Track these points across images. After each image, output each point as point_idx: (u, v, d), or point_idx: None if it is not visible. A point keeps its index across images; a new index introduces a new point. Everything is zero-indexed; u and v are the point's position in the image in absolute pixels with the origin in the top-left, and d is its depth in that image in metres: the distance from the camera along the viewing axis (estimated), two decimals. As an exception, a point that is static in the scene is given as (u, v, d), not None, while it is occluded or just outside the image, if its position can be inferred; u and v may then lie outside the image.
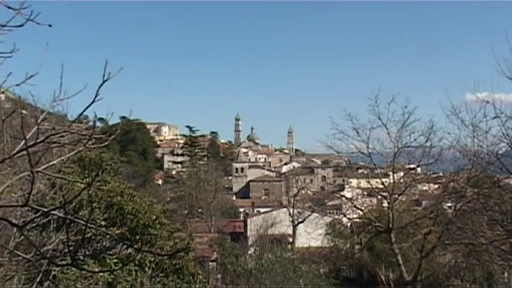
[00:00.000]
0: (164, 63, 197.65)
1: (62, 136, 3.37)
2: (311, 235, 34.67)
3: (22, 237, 7.19)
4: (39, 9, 2.99)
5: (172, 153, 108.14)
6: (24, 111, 3.78)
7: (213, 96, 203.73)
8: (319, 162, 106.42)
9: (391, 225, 22.85)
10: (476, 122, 14.54)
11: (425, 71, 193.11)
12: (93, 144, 3.71)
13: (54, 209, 3.28)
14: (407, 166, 26.31)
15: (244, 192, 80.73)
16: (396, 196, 23.71)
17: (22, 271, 7.99)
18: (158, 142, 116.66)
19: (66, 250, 3.69)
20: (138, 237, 14.41)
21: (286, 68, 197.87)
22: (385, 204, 26.20)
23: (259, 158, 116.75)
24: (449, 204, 24.54)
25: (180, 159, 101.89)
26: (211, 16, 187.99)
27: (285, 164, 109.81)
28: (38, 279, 8.09)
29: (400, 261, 22.72)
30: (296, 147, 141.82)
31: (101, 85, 3.00)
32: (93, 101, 3.06)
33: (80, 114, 3.53)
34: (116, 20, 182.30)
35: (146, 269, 14.40)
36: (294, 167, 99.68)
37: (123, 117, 74.82)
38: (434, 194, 30.06)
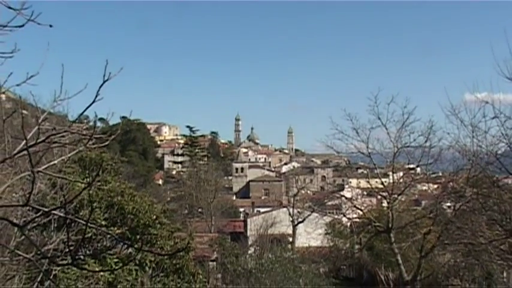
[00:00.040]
0: (164, 63, 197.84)
1: (63, 136, 3.37)
2: (311, 235, 34.71)
3: (23, 237, 7.22)
4: (40, 9, 3.00)
5: (172, 153, 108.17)
6: (24, 111, 3.80)
7: (213, 96, 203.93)
8: (319, 162, 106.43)
9: (390, 225, 22.88)
10: (475, 122, 14.58)
11: (425, 71, 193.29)
12: (93, 144, 3.71)
13: (54, 209, 3.29)
14: (406, 166, 26.34)
15: (244, 192, 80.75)
16: (396, 196, 23.72)
17: (23, 270, 8.02)
18: (158, 142, 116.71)
19: (67, 250, 3.70)
20: (138, 237, 14.46)
21: (286, 68, 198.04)
22: (385, 204, 26.21)
23: (259, 158, 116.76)
24: (448, 204, 24.58)
25: (180, 159, 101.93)
26: (211, 16, 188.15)
27: (285, 164, 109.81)
28: (38, 279, 8.11)
29: (400, 261, 22.75)
30: (296, 147, 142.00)
31: (101, 85, 3.00)
32: (93, 101, 3.06)
33: (80, 114, 3.52)
34: (115, 20, 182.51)
35: (146, 268, 14.43)
36: (293, 167, 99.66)
37: (123, 117, 74.83)
38: (434, 194, 30.09)
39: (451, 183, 23.59)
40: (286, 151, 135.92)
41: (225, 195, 62.06)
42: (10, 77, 3.38)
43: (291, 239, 37.79)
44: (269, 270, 23.16)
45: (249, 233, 38.02)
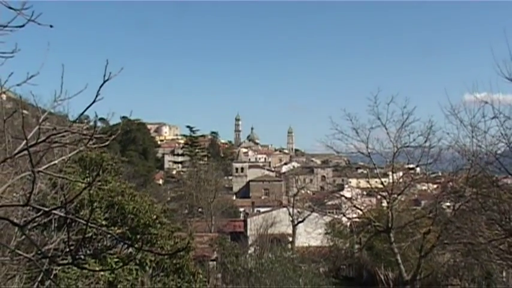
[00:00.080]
0: (164, 63, 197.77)
1: (63, 136, 3.38)
2: (311, 234, 34.75)
3: (23, 237, 7.24)
4: (40, 9, 3.00)
5: (172, 153, 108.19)
6: (25, 111, 3.79)
7: (213, 96, 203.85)
8: (318, 162, 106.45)
9: (390, 225, 22.90)
10: (475, 122, 14.59)
11: (424, 71, 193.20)
12: (94, 144, 3.72)
13: (55, 209, 3.30)
14: (406, 166, 26.36)
15: (244, 192, 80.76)
16: (395, 196, 23.74)
17: (23, 270, 8.04)
18: (159, 142, 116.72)
19: (67, 249, 3.72)
20: (138, 236, 14.49)
21: (286, 68, 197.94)
22: (385, 203, 26.24)
23: (259, 158, 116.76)
24: (448, 203, 24.60)
25: (180, 159, 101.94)
26: (211, 16, 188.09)
27: (285, 163, 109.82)
28: (39, 278, 8.13)
29: (399, 261, 22.78)
30: (296, 147, 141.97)
31: (102, 85, 3.01)
32: (93, 101, 3.07)
33: (80, 114, 3.52)
34: (115, 20, 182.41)
35: (147, 268, 14.46)
36: (293, 166, 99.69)
37: (123, 117, 75.12)
38: (433, 194, 30.12)
39: (450, 183, 23.62)
40: (286, 151, 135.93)
41: (225, 195, 62.08)
42: (11, 77, 3.39)
43: (290, 239, 37.83)
44: (269, 270, 23.19)
45: (249, 232, 38.05)
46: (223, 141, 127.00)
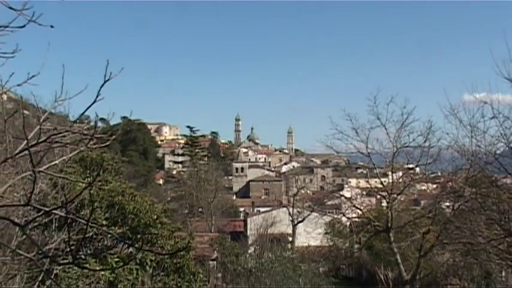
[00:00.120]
0: (164, 63, 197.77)
1: (64, 136, 3.37)
2: (310, 234, 34.80)
3: (24, 237, 7.25)
4: (40, 9, 2.99)
5: (173, 153, 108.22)
6: (26, 112, 3.80)
7: (213, 96, 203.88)
8: (318, 162, 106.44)
9: (390, 225, 22.94)
10: (474, 122, 14.62)
11: (424, 71, 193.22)
12: (94, 144, 3.71)
13: (55, 209, 3.29)
14: (406, 166, 26.39)
15: (244, 192, 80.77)
16: (395, 196, 23.78)
17: (24, 270, 8.07)
18: (159, 142, 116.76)
19: (68, 249, 3.74)
20: (139, 236, 14.51)
21: (286, 68, 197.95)
22: (384, 203, 26.27)
23: (259, 158, 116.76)
24: (447, 203, 24.63)
25: (180, 159, 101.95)
26: (211, 16, 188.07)
27: (285, 163, 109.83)
28: (40, 278, 8.15)
29: (399, 260, 22.82)
30: (296, 147, 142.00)
31: (102, 85, 3.01)
32: (94, 101, 3.07)
33: (81, 114, 3.54)
34: (115, 20, 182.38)
35: (147, 268, 14.48)
36: (293, 166, 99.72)
37: (124, 118, 75.15)
38: (433, 194, 30.16)
39: (450, 183, 23.65)
40: (286, 151, 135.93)
41: (225, 194, 62.08)
42: (11, 77, 3.37)
43: (290, 239, 37.86)
44: (269, 270, 23.21)
45: (249, 232, 38.08)
46: (223, 141, 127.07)
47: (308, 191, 60.29)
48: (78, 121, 4.46)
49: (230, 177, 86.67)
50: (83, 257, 12.37)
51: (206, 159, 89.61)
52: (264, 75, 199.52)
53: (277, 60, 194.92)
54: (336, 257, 36.26)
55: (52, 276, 8.59)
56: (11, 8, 3.01)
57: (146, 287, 14.38)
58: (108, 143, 3.87)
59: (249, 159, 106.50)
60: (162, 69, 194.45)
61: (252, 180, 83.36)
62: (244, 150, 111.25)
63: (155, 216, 15.16)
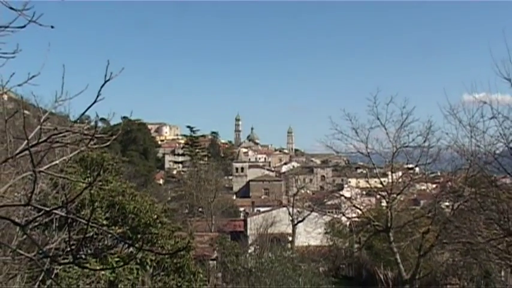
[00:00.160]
0: (164, 63, 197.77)
1: (64, 136, 3.37)
2: (310, 234, 34.81)
3: (25, 236, 7.27)
4: (40, 9, 2.99)
5: (173, 153, 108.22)
6: (26, 112, 3.80)
7: (213, 96, 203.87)
8: (318, 162, 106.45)
9: (389, 224, 22.97)
10: (473, 122, 14.65)
11: (424, 71, 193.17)
12: (94, 144, 3.72)
13: (56, 208, 3.30)
14: (405, 166, 26.41)
15: (244, 192, 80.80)
16: (395, 195, 23.80)
17: (25, 270, 8.09)
18: (159, 142, 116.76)
19: (68, 249, 3.76)
20: (139, 236, 14.54)
21: (286, 68, 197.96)
22: (384, 203, 26.30)
23: (259, 158, 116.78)
24: (447, 203, 24.64)
25: (180, 159, 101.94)
26: (211, 16, 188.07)
27: (285, 163, 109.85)
28: (40, 278, 8.18)
29: (399, 260, 22.85)
30: (296, 147, 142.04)
31: (103, 85, 3.02)
32: (94, 101, 3.08)
33: (81, 114, 3.57)
34: (116, 20, 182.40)
35: (147, 267, 14.50)
36: (293, 166, 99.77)
37: (124, 118, 75.04)
38: (432, 194, 30.20)
39: (449, 183, 23.70)
40: (286, 151, 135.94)
41: (225, 194, 62.09)
42: (12, 78, 3.37)
43: (290, 238, 37.89)
44: (269, 269, 23.23)
45: (249, 232, 38.11)
46: (223, 141, 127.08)
47: (308, 191, 60.31)
48: (78, 121, 4.47)
49: (230, 177, 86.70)
50: (83, 256, 12.40)
51: (206, 159, 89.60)
52: (264, 75, 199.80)
53: (277, 60, 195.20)
54: (335, 256, 36.29)
55: (52, 276, 8.61)
56: (11, 8, 3.02)
57: (146, 287, 14.40)
58: (108, 143, 3.86)
59: (249, 159, 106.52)
60: (162, 69, 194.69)
61: (252, 180, 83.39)
62: (244, 150, 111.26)
63: (155, 216, 15.18)
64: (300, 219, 38.25)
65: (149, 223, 14.83)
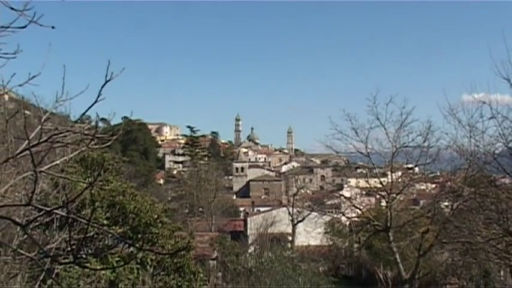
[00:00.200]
0: (164, 63, 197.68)
1: (65, 136, 3.37)
2: (310, 234, 34.84)
3: (25, 236, 7.31)
4: (40, 10, 2.99)
5: (173, 153, 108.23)
6: (27, 112, 3.83)
7: (213, 96, 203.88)
8: (318, 162, 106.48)
9: (389, 224, 23.00)
10: (473, 122, 14.66)
11: (424, 71, 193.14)
12: (95, 144, 3.73)
13: (57, 208, 3.30)
14: (405, 166, 26.44)
15: (244, 192, 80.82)
16: (394, 195, 23.83)
17: (25, 269, 8.13)
18: (159, 142, 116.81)
19: (69, 248, 3.76)
20: (139, 236, 14.57)
21: (286, 68, 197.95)
22: (384, 203, 26.33)
23: (259, 158, 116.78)
24: (446, 203, 24.64)
25: (181, 159, 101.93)
26: (211, 16, 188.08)
27: (285, 163, 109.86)
28: (41, 277, 8.22)
29: (398, 260, 22.88)
30: (295, 147, 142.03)
31: (103, 85, 3.02)
32: (95, 101, 3.08)
33: (82, 114, 3.58)
34: (116, 20, 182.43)
35: (148, 267, 14.53)
36: (293, 166, 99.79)
37: (124, 118, 75.05)
38: (432, 193, 30.26)
39: (449, 183, 23.74)
40: (286, 151, 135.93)
41: (225, 194, 62.10)
42: (13, 78, 3.37)
43: (290, 238, 37.92)
44: (269, 269, 23.25)
45: (249, 232, 38.13)
46: (223, 141, 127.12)
47: (308, 191, 60.32)
48: (79, 121, 4.51)
49: (230, 177, 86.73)
50: (84, 256, 12.41)
51: (206, 159, 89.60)
52: (264, 76, 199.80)
53: (277, 60, 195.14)
54: (335, 256, 36.32)
55: (53, 276, 8.64)
56: (12, 8, 3.02)
57: (147, 287, 14.43)
58: (109, 143, 3.85)
59: (249, 159, 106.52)
60: (162, 69, 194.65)
61: (252, 180, 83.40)
62: (244, 150, 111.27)
63: (156, 216, 15.22)
64: (299, 219, 38.27)
65: (149, 223, 14.87)
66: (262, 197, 72.79)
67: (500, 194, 13.87)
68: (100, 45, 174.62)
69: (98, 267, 11.57)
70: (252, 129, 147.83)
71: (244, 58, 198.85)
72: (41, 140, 3.16)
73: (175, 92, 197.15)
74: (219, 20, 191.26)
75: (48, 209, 3.29)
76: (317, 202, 44.49)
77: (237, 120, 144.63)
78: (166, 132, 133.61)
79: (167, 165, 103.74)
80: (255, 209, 53.42)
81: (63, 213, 3.45)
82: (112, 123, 60.83)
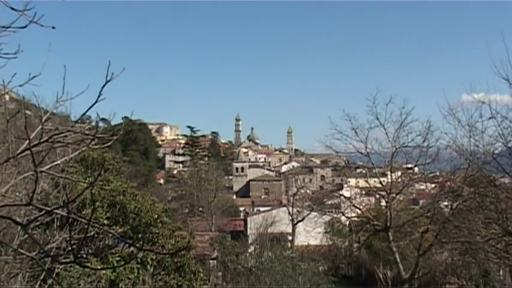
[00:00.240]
0: (164, 63, 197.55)
1: (65, 136, 3.37)
2: (310, 233, 34.86)
3: (26, 236, 7.34)
4: (41, 10, 2.99)
5: (173, 153, 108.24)
6: (28, 112, 3.83)
7: (213, 96, 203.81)
8: (318, 161, 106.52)
9: (388, 224, 23.02)
10: (472, 122, 14.67)
11: (423, 71, 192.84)
12: (95, 144, 3.75)
13: (57, 208, 3.31)
14: (404, 166, 26.46)
15: (244, 192, 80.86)
16: (394, 195, 23.85)
17: (26, 269, 8.16)
18: (160, 142, 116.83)
19: (70, 248, 3.78)
20: (140, 235, 14.61)
21: (286, 69, 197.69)
22: (383, 203, 26.35)
23: (259, 158, 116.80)
24: (446, 203, 24.66)
25: (181, 159, 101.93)
26: (211, 16, 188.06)
27: (285, 163, 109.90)
28: (41, 277, 8.24)
29: (398, 259, 22.91)
30: (295, 147, 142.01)
31: (104, 85, 3.03)
32: (95, 102, 3.09)
33: (83, 114, 3.61)
34: (116, 20, 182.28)
35: (148, 267, 14.57)
36: (293, 166, 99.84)
37: (125, 118, 75.01)
38: (431, 193, 30.25)
39: (448, 183, 23.76)
40: (286, 151, 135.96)
41: (225, 194, 62.10)
42: (13, 78, 3.38)
43: (290, 238, 37.94)
44: (269, 269, 23.28)
45: (249, 231, 38.16)
46: (223, 141, 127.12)
47: (308, 191, 60.33)
48: (79, 121, 4.53)
49: (230, 177, 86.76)
50: (84, 256, 12.43)
51: (206, 159, 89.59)
52: (264, 76, 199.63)
53: (277, 60, 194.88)
54: (335, 256, 36.34)
55: (54, 275, 8.67)
56: (12, 8, 3.03)
57: (147, 286, 14.47)
58: (109, 143, 3.86)
59: (249, 159, 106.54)
60: (163, 69, 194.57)
61: (252, 180, 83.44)
62: (244, 150, 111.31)
63: (156, 216, 15.25)
64: (299, 218, 38.29)
65: (150, 223, 14.90)
66: (262, 196, 72.81)
67: (500, 194, 13.89)
68: (100, 45, 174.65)
69: (99, 267, 11.60)
70: (252, 129, 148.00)
71: (244, 58, 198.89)
72: (42, 140, 3.16)
73: (175, 92, 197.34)
74: (219, 20, 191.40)
75: (49, 208, 3.30)
76: (317, 202, 44.46)
77: (237, 120, 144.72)
78: (167, 132, 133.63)
79: (167, 165, 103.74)
80: (255, 209, 53.44)
81: (64, 213, 3.45)
82: (112, 123, 60.97)
